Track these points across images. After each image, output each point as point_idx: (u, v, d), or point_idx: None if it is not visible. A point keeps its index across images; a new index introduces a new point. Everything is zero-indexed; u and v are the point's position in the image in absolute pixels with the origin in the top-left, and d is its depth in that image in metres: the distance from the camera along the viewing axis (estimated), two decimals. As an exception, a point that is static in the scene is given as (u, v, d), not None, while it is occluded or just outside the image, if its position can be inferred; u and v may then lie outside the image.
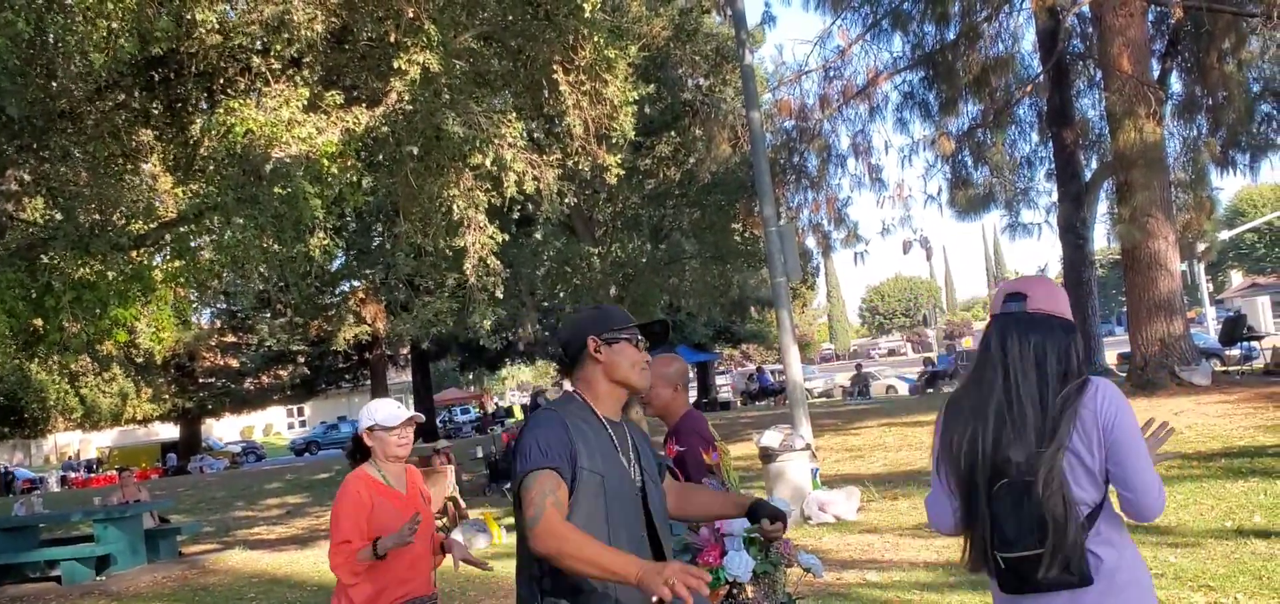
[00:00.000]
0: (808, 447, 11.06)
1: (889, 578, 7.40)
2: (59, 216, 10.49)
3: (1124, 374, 18.71)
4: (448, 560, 4.11)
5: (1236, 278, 77.17)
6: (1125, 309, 17.53)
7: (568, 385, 3.09)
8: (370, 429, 3.92)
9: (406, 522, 3.77)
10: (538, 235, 17.44)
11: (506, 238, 12.12)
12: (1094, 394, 2.43)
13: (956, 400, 2.61)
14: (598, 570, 2.49)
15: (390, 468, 3.95)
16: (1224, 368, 18.56)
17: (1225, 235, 40.57)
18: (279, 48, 9.03)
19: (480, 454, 20.11)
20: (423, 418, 3.94)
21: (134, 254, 11.05)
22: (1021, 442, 2.42)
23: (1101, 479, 2.42)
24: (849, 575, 7.58)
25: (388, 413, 3.93)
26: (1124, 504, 2.44)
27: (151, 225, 11.34)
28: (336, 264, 26.23)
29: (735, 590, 4.00)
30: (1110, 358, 26.38)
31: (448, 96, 9.50)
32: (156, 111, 10.62)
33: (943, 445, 2.60)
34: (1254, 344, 21.72)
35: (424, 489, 4.11)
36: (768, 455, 10.42)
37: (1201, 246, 27.75)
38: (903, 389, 37.44)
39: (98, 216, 10.56)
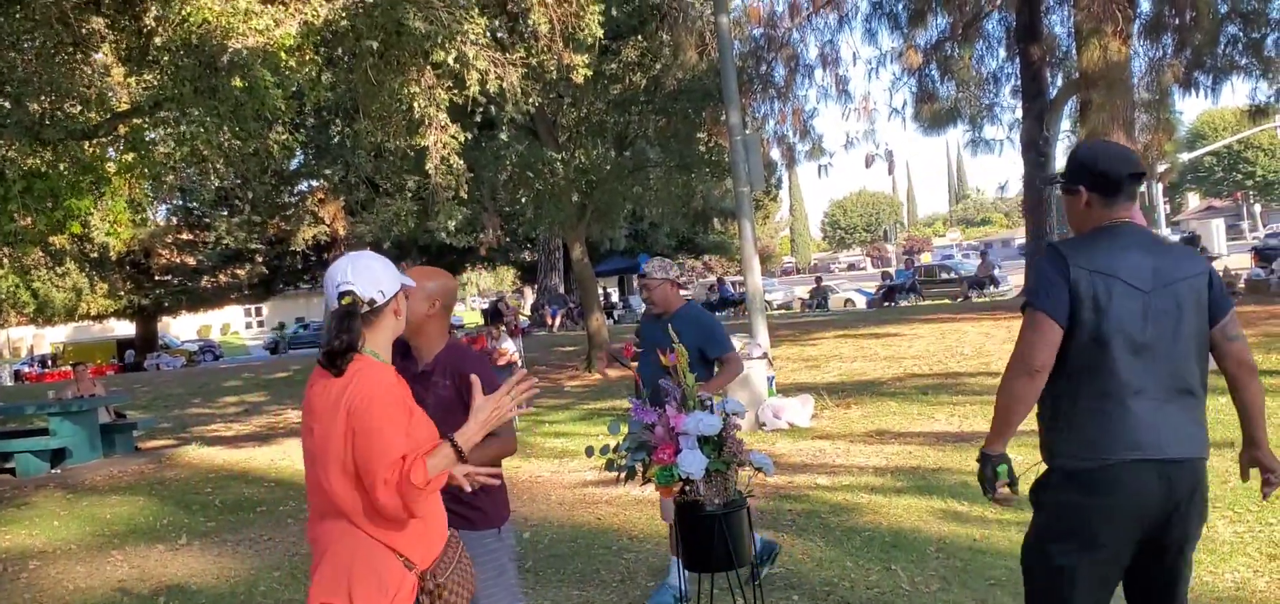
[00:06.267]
0: (765, 355, 11.18)
1: (838, 482, 7.56)
2: (7, 105, 10.21)
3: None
4: None
5: (1193, 200, 78.27)
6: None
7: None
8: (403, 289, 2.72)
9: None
10: (501, 138, 17.23)
11: (468, 138, 11.98)
12: None
13: None
14: None
15: (386, 356, 2.69)
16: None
17: (1185, 157, 40.99)
18: (235, -66, 8.77)
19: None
20: None
21: (87, 145, 10.81)
22: None
23: None
24: (800, 479, 7.73)
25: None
26: None
27: (105, 116, 11.07)
28: (295, 163, 25.84)
29: (688, 487, 4.08)
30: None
31: (409, -10, 9.30)
32: (108, -2, 10.31)
33: None
34: (1206, 265, 22.12)
35: None
36: (726, 362, 10.53)
37: (1161, 168, 28.05)
38: (861, 303, 37.80)
39: (48, 105, 10.29)
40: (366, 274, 2.58)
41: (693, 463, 3.95)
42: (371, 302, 2.57)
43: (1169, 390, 2.72)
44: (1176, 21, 20.72)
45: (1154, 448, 2.68)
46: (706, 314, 5.38)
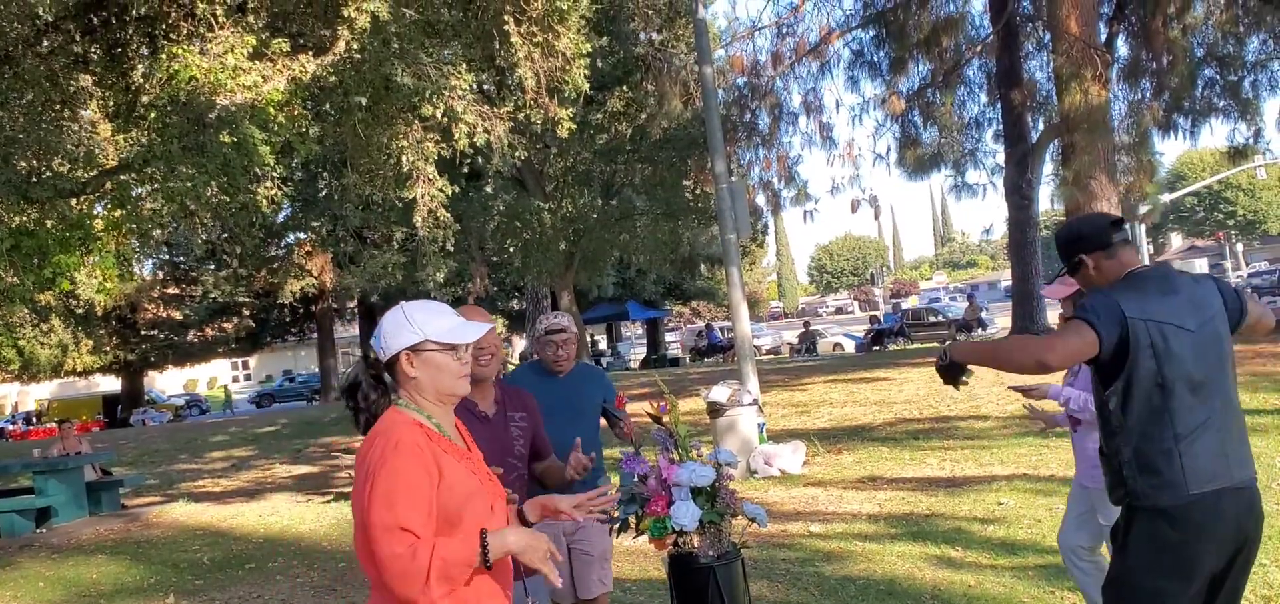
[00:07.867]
0: (755, 402, 11.18)
1: (831, 529, 7.54)
2: (-5, 163, 10.23)
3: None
4: None
5: (1176, 240, 78.92)
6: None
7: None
8: (416, 348, 2.43)
9: (486, 490, 2.44)
10: (488, 189, 17.32)
11: (456, 190, 12.04)
12: None
13: None
14: None
15: (440, 411, 2.47)
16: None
17: (1166, 198, 41.33)
18: (223, -8, 8.85)
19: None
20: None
21: (75, 202, 10.81)
22: None
23: None
24: (793, 527, 7.71)
25: (452, 323, 2.48)
26: None
27: (92, 173, 11.08)
28: (282, 215, 25.85)
29: (681, 539, 4.06)
30: (1052, 317, 26.88)
31: (396, 46, 9.38)
32: (96, 57, 10.36)
33: None
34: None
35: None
36: (716, 410, 10.52)
37: (1144, 209, 28.28)
38: (849, 347, 37.84)
39: (36, 163, 10.30)
40: (380, 327, 2.50)
41: (686, 514, 3.93)
42: (378, 356, 2.48)
43: (1224, 419, 2.96)
44: (1154, 65, 21.03)
45: (1225, 476, 2.90)
46: (601, 370, 5.26)
